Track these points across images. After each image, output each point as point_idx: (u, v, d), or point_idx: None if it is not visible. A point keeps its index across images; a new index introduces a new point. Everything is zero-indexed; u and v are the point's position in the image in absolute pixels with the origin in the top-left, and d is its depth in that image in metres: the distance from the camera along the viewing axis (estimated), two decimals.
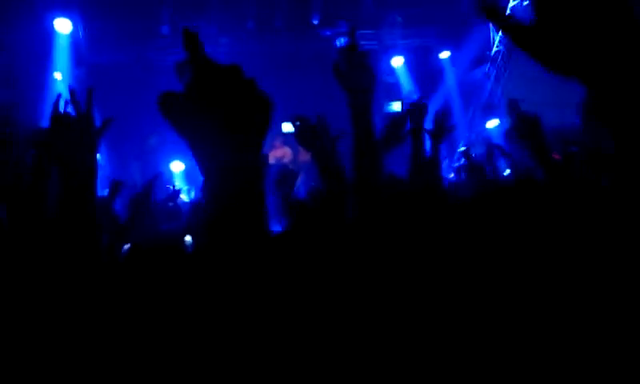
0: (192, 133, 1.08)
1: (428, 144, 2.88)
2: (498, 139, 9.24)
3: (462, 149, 11.00)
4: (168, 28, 11.54)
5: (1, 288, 1.65)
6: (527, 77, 12.01)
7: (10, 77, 8.66)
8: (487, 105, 12.16)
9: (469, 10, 11.92)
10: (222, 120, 1.06)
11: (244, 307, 0.99)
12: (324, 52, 12.59)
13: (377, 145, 2.56)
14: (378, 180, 1.94)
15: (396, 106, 13.13)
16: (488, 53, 12.13)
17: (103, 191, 3.73)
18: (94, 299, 1.67)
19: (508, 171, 4.99)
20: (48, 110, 2.16)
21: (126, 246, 2.05)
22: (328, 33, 12.46)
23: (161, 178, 6.14)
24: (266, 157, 3.73)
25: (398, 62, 12.64)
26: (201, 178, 1.12)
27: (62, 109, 2.15)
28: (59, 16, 9.83)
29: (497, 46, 11.96)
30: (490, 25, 12.08)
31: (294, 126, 2.57)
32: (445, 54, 12.42)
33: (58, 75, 10.30)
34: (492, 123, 11.70)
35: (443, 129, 2.99)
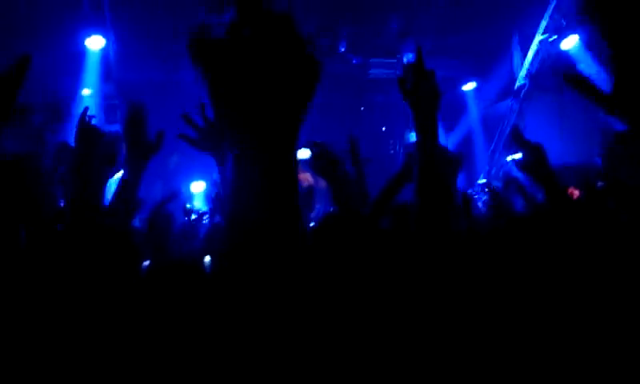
0: (228, 87, 0.87)
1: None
2: (518, 173, 9.16)
3: (482, 181, 10.94)
4: None
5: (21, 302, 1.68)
6: (550, 112, 11.97)
7: (43, 96, 8.88)
8: (510, 138, 12.09)
9: (494, 44, 11.96)
10: (265, 76, 0.87)
11: (260, 325, 0.99)
12: (350, 78, 12.71)
13: (407, 173, 2.59)
14: (446, 198, 1.92)
15: None
16: (512, 86, 12.11)
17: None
18: (112, 315, 1.69)
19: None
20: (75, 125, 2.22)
21: (146, 263, 2.08)
22: (355, 61, 12.58)
23: (178, 195, 6.20)
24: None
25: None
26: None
27: (87, 122, 2.22)
28: (92, 33, 10.06)
29: (521, 80, 11.93)
30: (514, 59, 12.09)
31: (311, 152, 2.59)
32: (469, 86, 12.43)
33: (86, 91, 10.52)
34: (514, 157, 11.61)
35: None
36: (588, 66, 11.33)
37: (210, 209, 5.09)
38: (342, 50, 12.20)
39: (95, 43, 10.19)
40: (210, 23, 0.90)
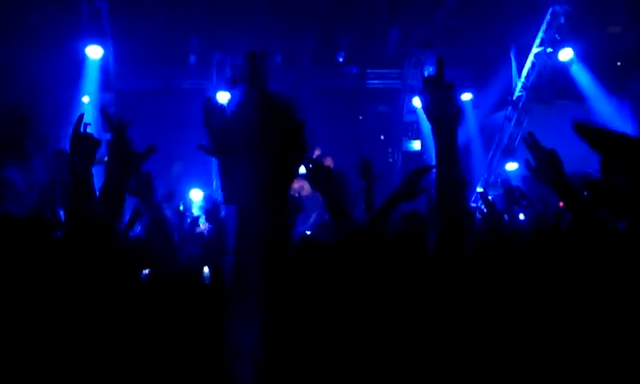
0: (231, 154, 1.05)
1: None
2: (516, 182, 9.21)
3: (480, 190, 10.99)
4: (195, 58, 11.81)
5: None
6: (547, 122, 12.03)
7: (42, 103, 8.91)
8: (507, 148, 12.16)
9: (491, 55, 12.04)
10: (265, 150, 1.03)
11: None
12: (349, 87, 12.79)
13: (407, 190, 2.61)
14: (463, 210, 1.91)
15: (416, 145, 13.19)
16: (510, 97, 12.19)
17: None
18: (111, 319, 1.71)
19: (522, 216, 4.96)
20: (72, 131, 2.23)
21: (145, 272, 2.08)
22: (353, 71, 12.66)
23: (174, 196, 6.20)
24: (299, 200, 3.81)
25: (419, 101, 12.74)
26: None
27: (82, 130, 2.23)
28: (92, 43, 10.11)
29: (519, 91, 12.02)
30: (512, 70, 12.17)
31: (306, 167, 2.61)
32: (466, 96, 12.50)
33: (85, 99, 10.56)
34: (511, 166, 11.68)
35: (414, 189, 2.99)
36: (582, 77, 11.44)
37: (207, 220, 5.12)
38: (341, 60, 12.28)
39: (94, 52, 10.24)
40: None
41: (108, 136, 2.28)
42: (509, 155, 11.97)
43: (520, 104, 12.05)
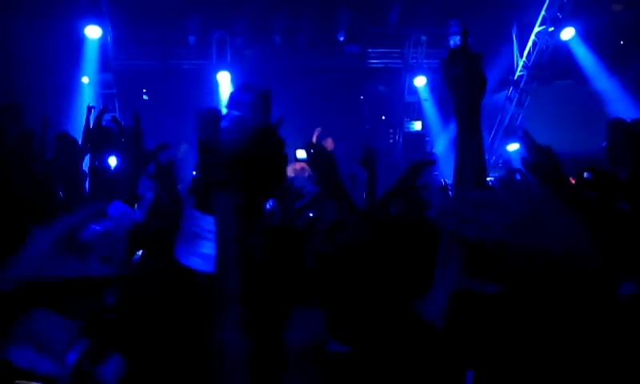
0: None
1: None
2: (517, 163, 9.20)
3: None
4: (194, 38, 11.72)
5: None
6: (548, 101, 12.00)
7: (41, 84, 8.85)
8: (508, 128, 12.13)
9: (492, 34, 11.95)
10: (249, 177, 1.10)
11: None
12: (350, 67, 12.69)
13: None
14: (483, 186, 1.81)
15: (417, 126, 13.15)
16: (511, 77, 12.13)
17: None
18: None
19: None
20: (76, 114, 2.24)
21: (139, 253, 2.07)
22: (353, 50, 12.55)
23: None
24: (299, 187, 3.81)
25: (420, 81, 12.68)
26: None
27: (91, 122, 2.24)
28: (90, 23, 10.05)
29: (520, 71, 11.95)
30: (514, 50, 12.09)
31: (307, 152, 2.61)
32: None
33: (85, 79, 10.53)
34: (512, 147, 11.67)
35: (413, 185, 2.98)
36: (584, 57, 11.36)
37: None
38: (342, 39, 12.18)
39: (93, 32, 10.18)
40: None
41: (108, 117, 2.28)
42: (510, 136, 11.94)
43: (521, 84, 11.99)
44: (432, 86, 12.66)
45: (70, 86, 10.27)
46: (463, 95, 1.76)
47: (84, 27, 10.08)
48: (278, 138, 1.15)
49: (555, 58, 11.59)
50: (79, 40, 10.24)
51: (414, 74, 12.61)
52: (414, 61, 12.54)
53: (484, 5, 10.58)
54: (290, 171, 5.03)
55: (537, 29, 11.34)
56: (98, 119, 2.23)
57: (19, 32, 9.09)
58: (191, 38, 11.72)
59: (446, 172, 8.31)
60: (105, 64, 10.77)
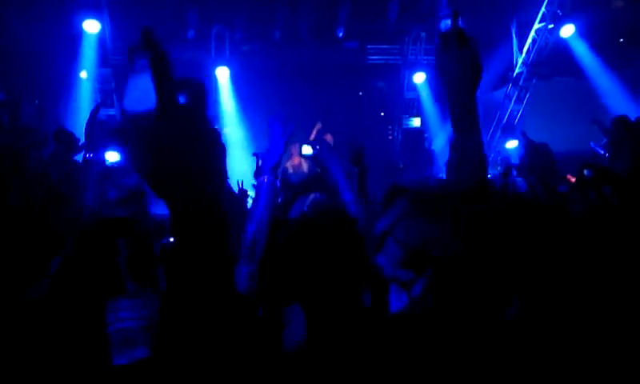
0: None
1: None
2: (516, 159, 9.20)
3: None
4: (193, 33, 11.68)
5: None
6: (548, 99, 11.99)
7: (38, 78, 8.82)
8: (507, 125, 12.12)
9: (491, 31, 11.92)
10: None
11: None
12: (349, 63, 12.66)
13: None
14: (485, 183, 1.68)
15: (416, 122, 13.13)
16: (510, 74, 12.12)
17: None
18: None
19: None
20: (74, 109, 2.24)
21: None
22: (353, 45, 12.52)
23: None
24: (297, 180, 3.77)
25: (419, 78, 12.65)
26: None
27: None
28: (88, 18, 10.01)
29: (519, 68, 11.94)
30: (513, 47, 12.07)
31: (313, 147, 2.60)
32: None
33: (83, 74, 10.49)
34: (511, 144, 11.67)
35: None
36: (584, 54, 11.36)
37: None
38: (341, 35, 12.15)
39: (91, 26, 10.14)
40: None
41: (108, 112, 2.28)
42: (509, 133, 11.93)
43: (520, 81, 11.98)
44: (431, 82, 12.63)
45: (67, 80, 10.24)
46: (459, 80, 1.61)
47: (82, 22, 10.02)
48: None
49: (555, 56, 11.58)
50: (77, 34, 10.19)
51: (413, 70, 12.58)
52: (413, 57, 12.51)
53: (483, 1, 10.55)
54: (289, 166, 5.03)
55: (536, 26, 11.33)
56: (92, 116, 2.22)
57: (16, 26, 9.06)
58: (190, 31, 11.68)
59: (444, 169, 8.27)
60: (103, 59, 10.71)
